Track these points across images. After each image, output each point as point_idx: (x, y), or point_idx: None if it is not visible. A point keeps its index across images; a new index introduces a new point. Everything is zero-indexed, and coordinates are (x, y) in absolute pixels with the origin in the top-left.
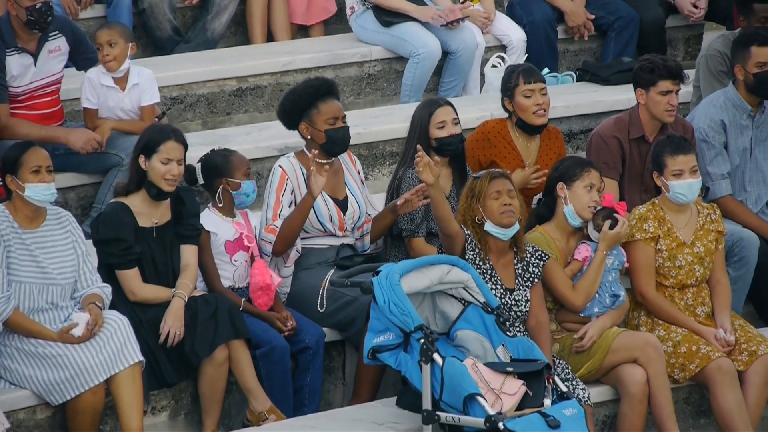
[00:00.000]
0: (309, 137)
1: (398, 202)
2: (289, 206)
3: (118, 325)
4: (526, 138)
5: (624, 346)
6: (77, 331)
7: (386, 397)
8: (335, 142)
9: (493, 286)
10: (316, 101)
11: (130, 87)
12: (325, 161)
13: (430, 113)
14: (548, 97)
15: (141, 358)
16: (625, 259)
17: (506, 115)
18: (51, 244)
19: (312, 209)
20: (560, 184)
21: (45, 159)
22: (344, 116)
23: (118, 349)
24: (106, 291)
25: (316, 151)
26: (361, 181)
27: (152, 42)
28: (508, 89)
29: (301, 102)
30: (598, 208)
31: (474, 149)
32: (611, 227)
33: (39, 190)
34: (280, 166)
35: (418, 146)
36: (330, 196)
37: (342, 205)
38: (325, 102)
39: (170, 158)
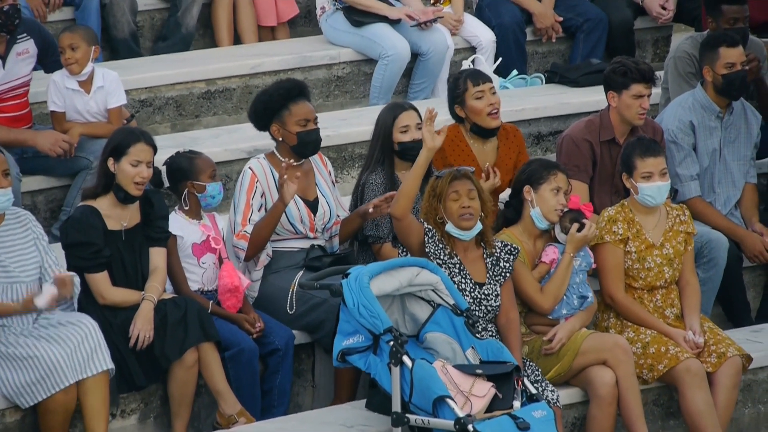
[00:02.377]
0: (280, 139)
1: (369, 210)
2: (259, 210)
3: (90, 330)
4: (482, 141)
5: (593, 348)
6: (40, 301)
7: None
8: (306, 145)
9: (463, 280)
10: (288, 103)
11: (95, 89)
12: (296, 162)
13: (394, 117)
14: (498, 96)
15: (111, 365)
16: (592, 260)
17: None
18: (11, 243)
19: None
20: (527, 187)
21: (2, 162)
22: (316, 118)
23: (88, 354)
24: (75, 280)
25: (287, 158)
26: (332, 182)
27: (108, 42)
28: (457, 96)
29: (273, 103)
30: (565, 210)
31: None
32: (579, 230)
33: None
34: (250, 168)
35: (435, 111)
36: (301, 197)
37: (312, 206)
38: (297, 103)
39: (139, 160)
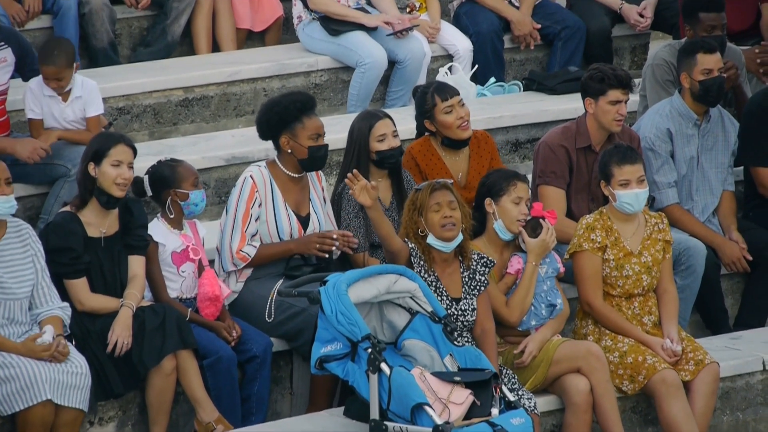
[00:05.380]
0: (289, 151)
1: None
2: (256, 221)
3: (82, 369)
4: (454, 153)
5: (566, 356)
6: (47, 337)
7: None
8: (316, 159)
9: (439, 297)
10: (302, 116)
11: (73, 99)
12: (295, 175)
13: (370, 126)
14: (467, 107)
15: (86, 408)
16: (560, 265)
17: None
18: (10, 257)
19: (274, 222)
20: (488, 200)
21: (3, 171)
22: (324, 133)
23: (72, 386)
24: (66, 312)
25: (290, 170)
26: (324, 198)
27: (87, 51)
28: (426, 111)
29: (287, 115)
30: (528, 219)
31: (409, 174)
32: (536, 236)
33: None
34: (251, 176)
35: (355, 171)
36: (294, 212)
37: (304, 221)
38: (310, 117)
39: (120, 161)
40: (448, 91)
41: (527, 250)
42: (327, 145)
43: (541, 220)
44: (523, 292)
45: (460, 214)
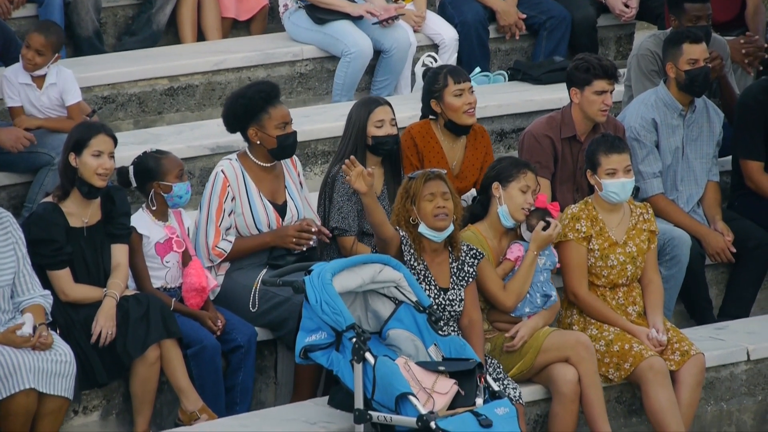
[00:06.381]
0: (258, 141)
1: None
2: (230, 215)
3: (66, 357)
4: (452, 139)
5: (555, 345)
6: (26, 329)
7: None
8: (285, 148)
9: (427, 287)
10: (267, 105)
11: (48, 86)
12: (267, 164)
13: (369, 111)
14: (475, 95)
15: (71, 396)
16: (557, 259)
17: (429, 117)
18: None
19: (250, 213)
20: (496, 184)
21: None
22: (291, 120)
23: (57, 374)
24: (48, 300)
25: (261, 161)
26: (300, 183)
27: (72, 40)
28: (435, 91)
29: (253, 106)
30: (532, 209)
31: (406, 155)
32: (544, 229)
33: None
34: (222, 171)
35: (352, 157)
36: (270, 201)
37: (281, 210)
38: (275, 107)
39: (101, 151)
40: (461, 75)
41: (531, 239)
42: (295, 132)
43: (547, 213)
44: (521, 279)
45: (452, 205)
